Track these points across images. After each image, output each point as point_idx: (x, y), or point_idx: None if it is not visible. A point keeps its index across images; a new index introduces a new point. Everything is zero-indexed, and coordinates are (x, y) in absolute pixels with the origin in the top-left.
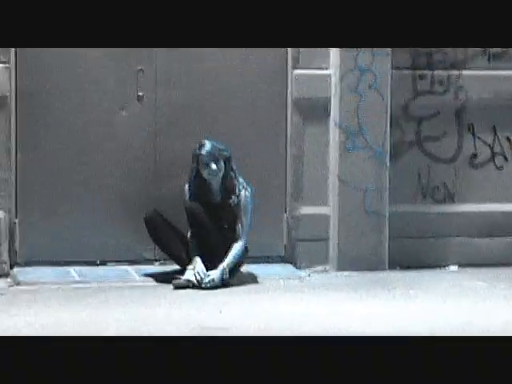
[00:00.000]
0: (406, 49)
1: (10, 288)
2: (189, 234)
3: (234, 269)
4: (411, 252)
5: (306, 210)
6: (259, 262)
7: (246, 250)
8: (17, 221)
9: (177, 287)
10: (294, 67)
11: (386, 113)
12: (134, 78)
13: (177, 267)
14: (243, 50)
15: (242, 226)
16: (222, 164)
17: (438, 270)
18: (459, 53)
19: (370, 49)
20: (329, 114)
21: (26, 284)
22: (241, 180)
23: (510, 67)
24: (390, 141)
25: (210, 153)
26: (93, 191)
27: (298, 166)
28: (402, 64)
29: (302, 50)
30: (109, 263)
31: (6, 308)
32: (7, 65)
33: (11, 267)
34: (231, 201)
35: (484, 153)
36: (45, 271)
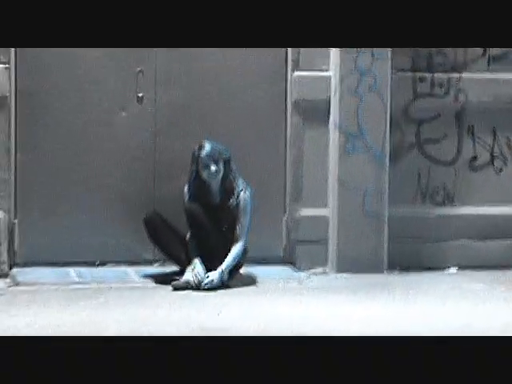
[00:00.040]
0: (406, 51)
1: (10, 288)
2: (188, 235)
3: (234, 270)
4: (411, 254)
5: (306, 211)
6: (258, 264)
7: (245, 251)
8: (16, 221)
9: (176, 288)
10: (294, 69)
11: (386, 115)
12: (133, 78)
13: (176, 268)
14: (243, 51)
15: (241, 227)
16: (222, 165)
17: (437, 272)
18: (459, 55)
19: (370, 51)
20: (328, 116)
21: (26, 284)
22: (240, 181)
23: (510, 70)
24: (390, 143)
25: (209, 154)
26: (92, 192)
27: (297, 168)
28: (402, 66)
29: (302, 51)
30: (108, 264)
31: (6, 308)
32: (7, 65)
33: (10, 267)
34: (231, 202)
35: (484, 155)
36: (44, 272)
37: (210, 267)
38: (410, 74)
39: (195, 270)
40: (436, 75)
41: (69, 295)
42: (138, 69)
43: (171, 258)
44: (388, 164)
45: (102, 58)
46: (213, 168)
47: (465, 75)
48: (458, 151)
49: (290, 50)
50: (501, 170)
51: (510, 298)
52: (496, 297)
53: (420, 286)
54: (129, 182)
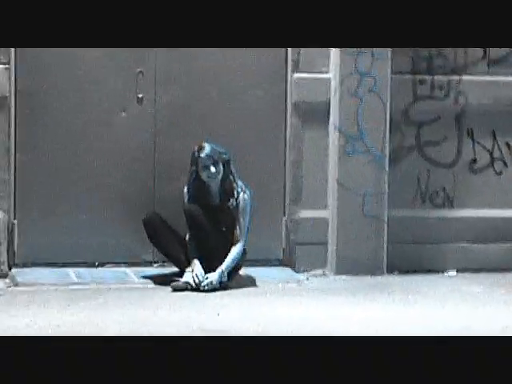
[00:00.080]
0: (406, 53)
1: (9, 289)
2: (187, 236)
3: (233, 271)
4: (410, 256)
5: (305, 213)
6: (258, 265)
7: (244, 252)
8: (15, 221)
9: (175, 289)
10: (294, 70)
11: (386, 117)
12: (133, 78)
13: (175, 269)
14: (243, 52)
15: (240, 228)
16: (221, 167)
17: (436, 275)
18: (459, 58)
19: (370, 53)
20: (328, 118)
21: (25, 285)
22: (240, 183)
23: (510, 73)
24: (390, 145)
25: (209, 155)
26: (92, 192)
27: (297, 170)
28: (402, 68)
29: (301, 53)
30: (107, 265)
31: (5, 309)
32: (7, 65)
33: (10, 268)
34: (230, 203)
35: (483, 158)
36: (43, 272)
37: (209, 268)
38: (409, 76)
39: (194, 271)
40: (436, 77)
41: (68, 296)
42: (138, 69)
43: (171, 258)
44: (388, 166)
45: (101, 58)
46: (212, 169)
47: (465, 78)
48: (458, 153)
49: (289, 50)
50: (500, 172)
51: (509, 301)
52: (496, 299)
53: (419, 288)
54: (129, 182)
